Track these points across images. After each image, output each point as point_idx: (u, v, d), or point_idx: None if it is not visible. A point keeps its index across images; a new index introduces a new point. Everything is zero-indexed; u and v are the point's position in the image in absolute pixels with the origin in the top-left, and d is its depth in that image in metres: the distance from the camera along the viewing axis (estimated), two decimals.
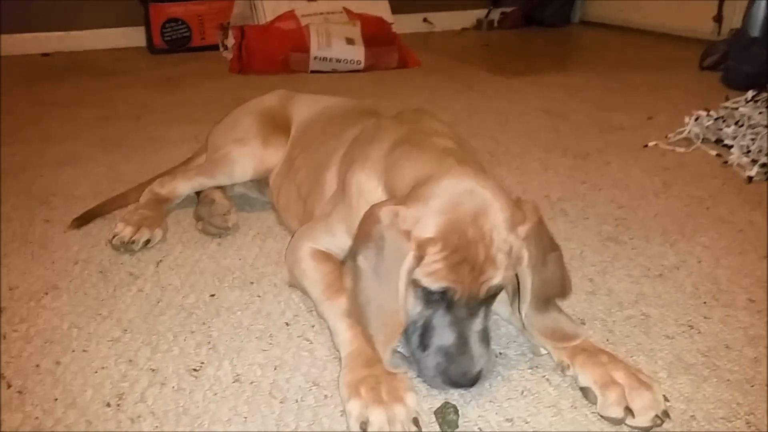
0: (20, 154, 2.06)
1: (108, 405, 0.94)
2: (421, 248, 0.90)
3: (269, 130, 1.55)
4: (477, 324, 0.94)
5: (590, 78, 3.16)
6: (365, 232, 0.95)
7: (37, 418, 0.92)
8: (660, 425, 0.89)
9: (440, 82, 3.13)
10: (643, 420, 0.89)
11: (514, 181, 1.80)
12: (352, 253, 0.98)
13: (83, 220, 1.53)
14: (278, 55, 3.32)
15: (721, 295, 1.24)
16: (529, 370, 1.03)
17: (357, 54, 3.37)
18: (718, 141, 2.06)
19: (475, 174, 0.96)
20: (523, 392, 0.98)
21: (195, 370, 1.01)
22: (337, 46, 3.34)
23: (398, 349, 1.02)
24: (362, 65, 3.38)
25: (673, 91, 2.85)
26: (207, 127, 1.75)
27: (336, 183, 1.24)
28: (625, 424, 0.90)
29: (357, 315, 0.98)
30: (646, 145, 2.10)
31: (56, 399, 0.95)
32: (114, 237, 1.39)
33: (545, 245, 0.99)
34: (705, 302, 1.21)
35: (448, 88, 3.02)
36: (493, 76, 3.27)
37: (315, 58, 3.33)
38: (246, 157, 1.51)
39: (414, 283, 0.93)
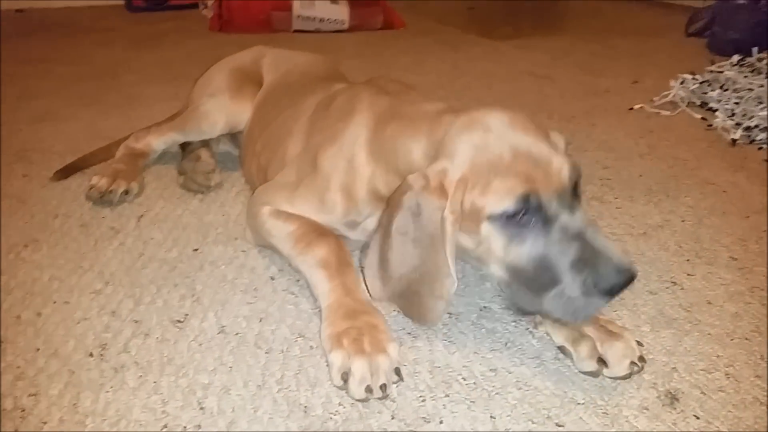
0: None
1: (91, 355, 0.93)
2: (460, 189, 0.86)
3: (239, 84, 1.53)
4: (584, 215, 0.87)
5: (577, 42, 3.14)
6: (396, 204, 0.90)
7: (18, 367, 0.90)
8: (639, 371, 0.90)
9: (425, 44, 3.10)
10: (619, 369, 0.90)
11: None
12: (381, 228, 0.93)
13: (64, 172, 1.51)
14: (260, 13, 3.26)
15: (704, 252, 1.25)
16: (513, 323, 1.03)
17: (341, 13, 3.31)
18: (703, 104, 2.07)
19: (485, 112, 0.92)
20: (506, 344, 0.98)
21: (179, 321, 1.01)
22: (321, 5, 3.28)
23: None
24: (346, 25, 3.33)
25: (658, 56, 2.84)
26: (186, 86, 1.72)
27: (297, 150, 1.20)
28: (605, 376, 0.91)
29: (393, 291, 0.93)
30: (632, 108, 2.10)
31: (38, 349, 0.94)
32: (91, 188, 1.37)
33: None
34: (688, 260, 1.22)
35: (433, 50, 2.98)
36: (479, 39, 3.23)
37: (298, 17, 3.27)
38: (215, 112, 1.49)
39: (492, 221, 0.87)
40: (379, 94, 1.14)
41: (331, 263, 1.01)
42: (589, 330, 0.93)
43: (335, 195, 1.08)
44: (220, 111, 1.49)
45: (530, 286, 0.88)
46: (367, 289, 0.97)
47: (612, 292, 0.83)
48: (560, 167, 0.87)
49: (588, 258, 0.83)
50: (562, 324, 0.95)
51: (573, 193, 0.89)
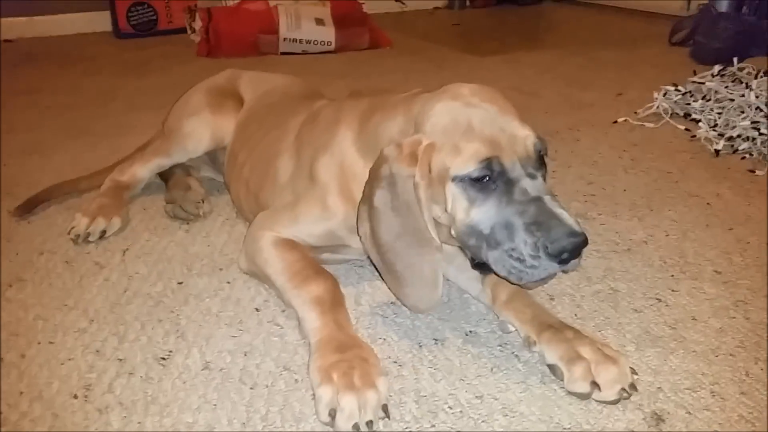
0: None
1: (75, 397, 0.93)
2: (427, 153, 0.92)
3: (218, 100, 1.54)
4: (545, 187, 0.92)
5: (562, 56, 3.17)
6: (374, 176, 0.97)
7: (1, 412, 0.90)
8: (627, 398, 0.90)
9: (412, 63, 3.11)
10: (609, 393, 0.90)
11: None
12: (366, 199, 0.99)
13: (26, 207, 1.49)
14: (247, 37, 3.28)
15: (688, 267, 1.25)
16: (499, 347, 1.03)
17: (327, 35, 3.33)
18: (687, 115, 2.08)
19: (458, 86, 1.00)
20: (492, 369, 0.98)
21: (163, 358, 1.00)
22: (307, 26, 3.30)
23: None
24: (333, 46, 3.35)
25: (642, 67, 2.87)
26: None
27: (290, 170, 1.22)
28: (593, 399, 0.91)
29: (380, 260, 0.99)
30: (616, 121, 2.11)
31: (21, 392, 0.94)
32: (71, 230, 1.37)
33: None
34: (672, 275, 1.23)
35: (419, 68, 3.00)
36: (465, 56, 3.25)
37: (284, 39, 3.29)
38: (198, 129, 1.50)
39: (456, 183, 0.92)
40: (359, 98, 1.18)
41: (325, 301, 1.01)
42: (585, 351, 0.93)
43: (335, 199, 1.11)
44: (204, 127, 1.50)
45: (489, 244, 0.93)
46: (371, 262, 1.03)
47: (561, 255, 0.88)
48: (525, 136, 0.93)
49: (542, 222, 0.88)
50: (556, 341, 0.95)
51: (538, 164, 0.95)
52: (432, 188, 0.95)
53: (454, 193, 0.94)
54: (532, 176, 0.92)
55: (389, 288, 1.04)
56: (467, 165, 0.91)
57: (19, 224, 1.46)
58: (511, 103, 1.00)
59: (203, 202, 1.47)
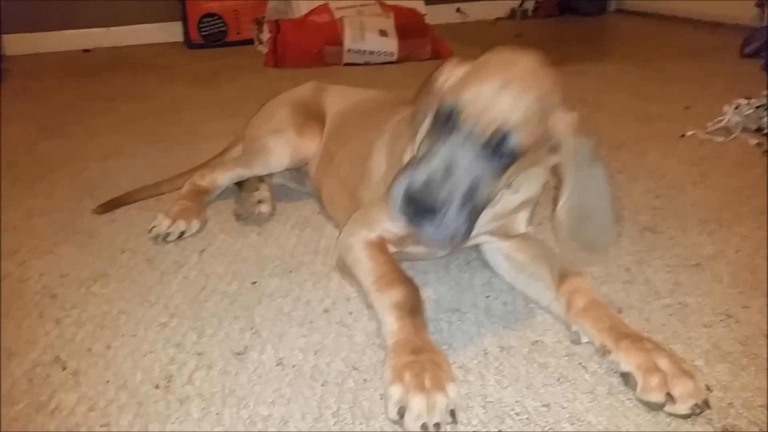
0: (66, 147, 2.13)
1: (157, 387, 0.98)
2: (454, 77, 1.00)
3: (303, 120, 1.58)
4: (469, 163, 0.92)
5: (626, 67, 3.13)
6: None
7: (91, 398, 0.96)
8: (699, 414, 0.89)
9: None
10: (683, 407, 0.89)
11: None
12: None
13: (110, 206, 1.59)
14: (313, 48, 3.36)
15: (760, 284, 1.23)
16: (566, 357, 1.04)
17: (390, 46, 3.39)
18: (759, 129, 2.03)
19: (516, 54, 1.00)
20: (559, 379, 0.99)
21: (239, 353, 1.05)
22: (371, 38, 3.36)
23: None
24: (395, 57, 3.40)
25: (712, 80, 2.80)
26: (244, 121, 1.79)
27: (383, 167, 1.26)
28: (664, 411, 0.90)
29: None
30: (684, 135, 2.08)
31: (108, 381, 1.00)
32: (152, 229, 1.44)
33: (592, 150, 1.00)
34: (743, 292, 1.21)
35: None
36: None
37: (349, 50, 3.35)
38: (281, 147, 1.55)
39: (436, 105, 0.97)
40: None
41: (404, 306, 1.03)
42: (663, 363, 0.93)
43: None
44: (287, 146, 1.55)
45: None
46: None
47: (406, 210, 0.93)
48: (501, 121, 0.92)
49: (425, 171, 0.91)
50: (635, 350, 0.95)
51: (495, 148, 0.94)
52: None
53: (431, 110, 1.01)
54: (470, 153, 0.93)
55: None
56: (445, 94, 0.97)
57: (102, 224, 1.54)
58: (558, 90, 0.99)
59: (262, 202, 1.53)
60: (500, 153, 0.94)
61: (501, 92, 0.92)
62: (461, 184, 0.91)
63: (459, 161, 0.91)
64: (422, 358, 0.93)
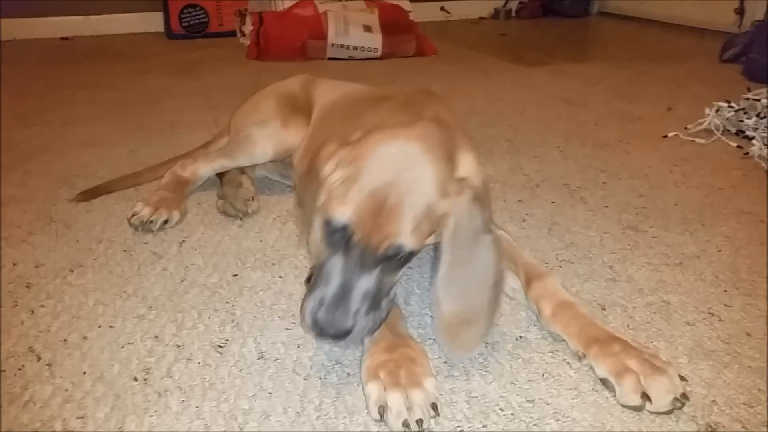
0: (43, 136, 2.08)
1: (135, 379, 0.96)
2: (336, 180, 0.93)
3: (289, 111, 1.56)
4: (368, 281, 0.90)
5: (609, 69, 3.14)
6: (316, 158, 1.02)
7: (66, 390, 0.93)
8: (681, 407, 0.89)
9: (457, 71, 3.13)
10: (661, 404, 0.89)
11: (532, 169, 1.80)
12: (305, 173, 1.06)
13: (90, 194, 1.57)
14: (296, 41, 3.33)
15: (742, 284, 1.24)
16: (550, 354, 1.03)
17: (374, 42, 3.37)
18: (739, 132, 2.05)
19: (425, 135, 0.96)
20: (544, 375, 0.98)
21: (220, 346, 1.03)
22: (355, 33, 3.34)
23: None
24: (379, 53, 3.38)
25: (692, 83, 2.83)
26: (225, 112, 1.77)
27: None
28: (647, 410, 0.90)
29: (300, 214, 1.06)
30: (666, 136, 2.09)
31: (84, 372, 0.97)
32: (133, 216, 1.41)
33: (478, 224, 0.96)
34: (725, 290, 1.21)
35: (465, 76, 3.01)
36: (511, 65, 3.26)
37: (332, 45, 3.33)
38: (266, 138, 1.52)
39: (323, 212, 0.93)
40: (404, 108, 1.17)
41: None
42: (633, 363, 0.93)
43: None
44: (272, 138, 1.52)
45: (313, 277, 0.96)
46: None
47: (317, 332, 0.90)
48: (392, 237, 0.89)
49: (329, 300, 0.89)
50: (603, 355, 0.95)
51: (388, 259, 0.91)
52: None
53: (318, 222, 0.96)
54: (366, 268, 0.90)
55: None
56: (333, 209, 0.91)
57: (78, 213, 1.50)
58: (442, 176, 0.93)
59: (253, 200, 1.51)
60: (397, 260, 0.93)
61: (390, 213, 0.89)
62: (364, 301, 0.90)
63: (358, 282, 0.90)
64: (396, 355, 0.92)
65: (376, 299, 0.92)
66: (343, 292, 0.89)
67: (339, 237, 0.91)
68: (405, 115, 1.07)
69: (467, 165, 1.07)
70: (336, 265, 0.91)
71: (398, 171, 0.90)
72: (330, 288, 0.90)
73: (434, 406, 0.88)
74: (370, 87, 1.67)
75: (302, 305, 0.92)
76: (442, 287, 0.95)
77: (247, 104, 1.64)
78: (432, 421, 0.88)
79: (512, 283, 1.15)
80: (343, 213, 0.90)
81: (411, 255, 0.94)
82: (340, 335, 0.89)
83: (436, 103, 1.19)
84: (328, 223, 0.92)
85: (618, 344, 0.96)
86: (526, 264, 1.14)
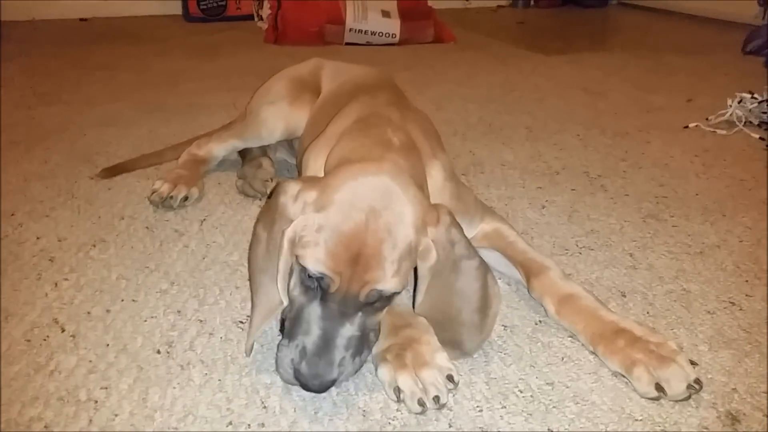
0: (63, 115, 2.10)
1: (158, 352, 0.97)
2: (308, 226, 0.84)
3: (297, 92, 1.54)
4: (351, 328, 0.85)
5: (628, 59, 3.12)
6: (269, 202, 0.92)
7: (90, 361, 0.95)
8: (698, 391, 0.89)
9: (476, 58, 3.11)
10: (677, 392, 0.89)
11: (552, 157, 1.79)
12: (257, 220, 0.95)
13: (112, 171, 1.58)
14: (313, 26, 3.32)
15: (763, 274, 1.23)
16: (569, 338, 1.03)
17: (392, 27, 3.36)
18: (762, 124, 2.03)
19: (395, 169, 0.89)
20: (563, 359, 0.99)
21: (241, 322, 1.04)
22: (373, 18, 3.33)
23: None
24: (397, 39, 3.37)
25: (713, 74, 2.80)
26: (243, 95, 1.77)
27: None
28: (666, 399, 0.90)
29: (250, 284, 0.94)
30: (687, 126, 2.07)
31: (108, 344, 0.98)
32: (153, 193, 1.43)
33: (460, 250, 0.90)
34: (747, 280, 1.21)
35: (483, 63, 3.00)
36: (530, 54, 3.24)
37: (350, 30, 3.32)
38: (273, 118, 1.51)
39: (298, 262, 0.86)
40: (371, 103, 1.16)
41: None
42: (640, 357, 0.92)
43: None
44: (279, 118, 1.51)
45: (287, 325, 0.89)
46: None
47: (299, 384, 0.85)
48: (372, 282, 0.83)
49: (311, 351, 0.84)
50: (610, 353, 0.95)
51: (370, 304, 0.86)
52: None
53: (297, 265, 0.88)
54: (347, 316, 0.85)
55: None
56: (307, 261, 0.83)
57: (99, 190, 1.52)
58: (417, 209, 0.86)
59: (271, 180, 1.51)
60: (378, 304, 0.88)
61: (368, 259, 0.82)
62: (348, 348, 0.85)
63: (340, 329, 0.85)
64: (399, 338, 0.93)
65: (360, 344, 0.87)
66: (326, 342, 0.84)
67: (316, 285, 0.85)
68: (372, 144, 0.97)
69: (437, 183, 1.06)
70: (315, 313, 0.85)
71: (373, 214, 0.82)
72: (311, 338, 0.84)
73: (450, 378, 0.89)
74: (372, 71, 1.62)
75: (279, 355, 0.87)
76: (423, 311, 0.92)
77: (261, 88, 1.64)
78: (452, 397, 0.88)
79: (517, 276, 1.15)
80: (319, 264, 0.82)
81: (394, 295, 0.88)
82: (325, 388, 0.84)
83: (399, 113, 1.12)
84: (303, 271, 0.85)
85: (622, 338, 0.95)
86: (524, 260, 1.13)
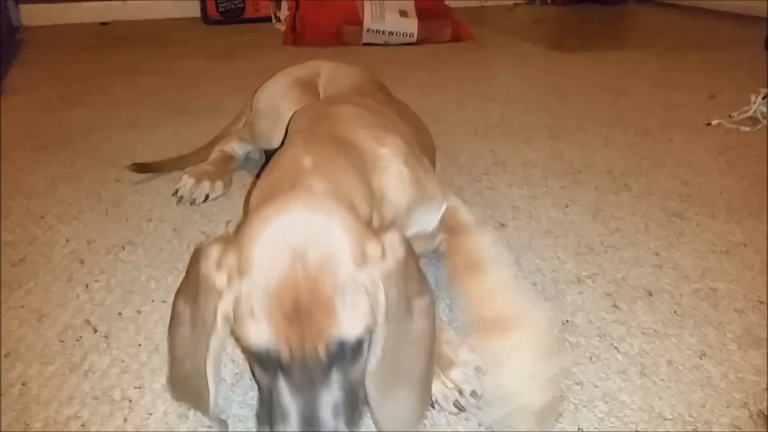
0: (87, 117, 2.13)
1: None
2: (238, 298, 0.71)
3: (297, 99, 1.46)
4: (329, 395, 0.71)
5: (648, 56, 3.10)
6: (189, 270, 0.78)
7: (123, 360, 0.96)
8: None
9: (494, 57, 3.11)
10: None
11: (574, 155, 1.79)
12: (176, 293, 0.82)
13: (141, 168, 1.59)
14: (331, 27, 3.33)
15: None
16: (597, 338, 1.03)
17: (410, 27, 3.36)
18: None
19: (310, 197, 0.76)
20: (591, 358, 0.99)
21: None
22: (391, 18, 3.34)
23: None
24: (415, 38, 3.37)
25: (735, 71, 2.77)
26: None
27: None
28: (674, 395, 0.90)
29: (173, 372, 0.83)
30: (709, 123, 2.06)
31: (140, 345, 1.00)
32: (176, 191, 1.47)
33: (411, 288, 0.76)
34: None
35: (502, 62, 2.99)
36: (548, 51, 3.22)
37: (368, 30, 3.33)
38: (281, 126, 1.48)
39: (237, 340, 0.74)
40: (322, 114, 1.06)
41: None
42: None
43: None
44: (278, 131, 1.42)
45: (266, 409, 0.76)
46: None
47: None
48: (326, 336, 0.69)
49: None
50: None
51: (327, 368, 0.71)
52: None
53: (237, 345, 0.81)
54: (319, 381, 0.70)
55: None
56: (245, 337, 0.71)
57: (126, 193, 1.54)
58: (354, 242, 0.72)
59: None
60: (349, 352, 0.72)
61: (310, 311, 0.68)
62: (338, 414, 0.71)
63: (319, 399, 0.71)
64: None
65: (350, 404, 0.73)
66: (309, 422, 0.70)
67: (267, 359, 0.71)
68: (282, 175, 0.85)
69: (392, 171, 0.96)
70: (283, 391, 0.71)
71: (297, 256, 0.68)
72: (291, 422, 0.70)
73: (478, 369, 0.89)
74: (354, 70, 1.57)
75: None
76: (375, 381, 0.75)
77: (262, 90, 1.60)
78: (477, 382, 0.89)
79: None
80: (258, 338, 0.69)
81: (364, 338, 0.73)
82: None
83: (326, 109, 1.05)
84: (248, 350, 0.72)
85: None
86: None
